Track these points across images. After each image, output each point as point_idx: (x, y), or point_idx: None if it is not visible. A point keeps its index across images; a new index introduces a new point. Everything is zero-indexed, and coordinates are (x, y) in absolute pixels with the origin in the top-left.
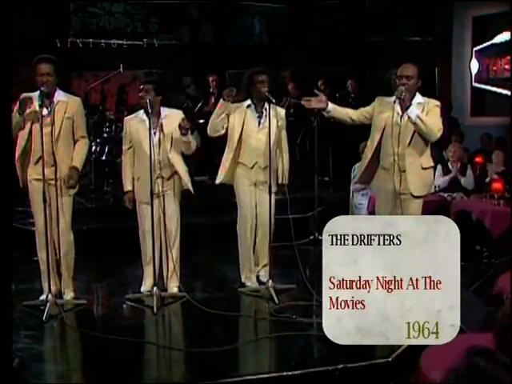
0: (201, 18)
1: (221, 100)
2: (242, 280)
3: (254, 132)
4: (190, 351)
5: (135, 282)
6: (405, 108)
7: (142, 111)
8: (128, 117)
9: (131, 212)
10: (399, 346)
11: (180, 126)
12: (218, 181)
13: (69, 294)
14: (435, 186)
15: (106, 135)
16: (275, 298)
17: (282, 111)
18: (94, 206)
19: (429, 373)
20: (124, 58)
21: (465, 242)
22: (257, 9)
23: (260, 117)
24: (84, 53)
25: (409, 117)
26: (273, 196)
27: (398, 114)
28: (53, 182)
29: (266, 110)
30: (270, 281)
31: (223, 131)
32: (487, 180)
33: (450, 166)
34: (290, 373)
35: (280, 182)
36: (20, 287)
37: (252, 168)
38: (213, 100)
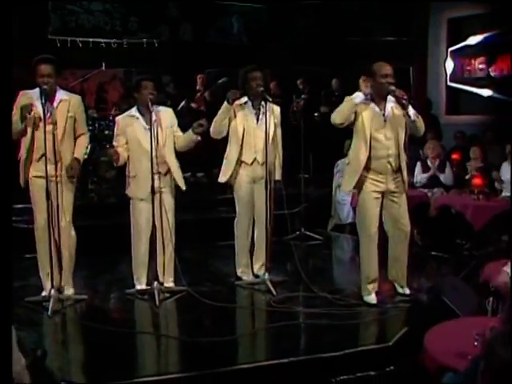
0: (180, 16)
1: (225, 103)
2: (238, 274)
3: (252, 129)
4: (199, 341)
5: (128, 278)
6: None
7: (134, 109)
8: (120, 116)
9: (115, 210)
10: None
11: (196, 126)
12: (223, 179)
13: (69, 290)
14: (415, 182)
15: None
16: (273, 290)
17: (277, 109)
18: (79, 204)
19: (435, 353)
20: (103, 56)
21: (446, 236)
22: (236, 8)
23: (257, 114)
24: (63, 50)
25: (409, 116)
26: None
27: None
28: (55, 179)
29: (262, 107)
30: (267, 274)
31: (225, 133)
32: (467, 177)
33: (429, 163)
34: (294, 359)
35: (276, 178)
36: (14, 285)
37: (251, 165)
38: (198, 95)
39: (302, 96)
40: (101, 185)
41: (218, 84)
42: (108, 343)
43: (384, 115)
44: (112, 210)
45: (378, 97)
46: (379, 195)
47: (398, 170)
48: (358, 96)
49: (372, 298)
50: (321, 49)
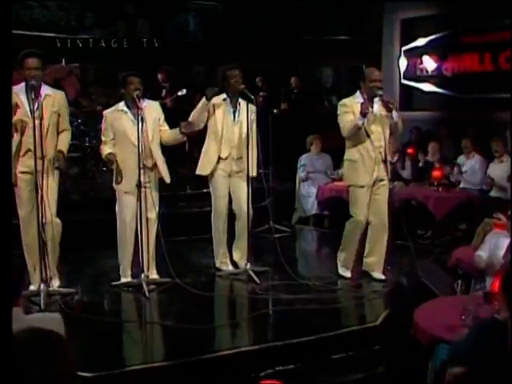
0: (137, 13)
1: (203, 99)
2: (217, 265)
3: (230, 125)
4: (197, 329)
5: (110, 272)
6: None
7: (121, 103)
8: (107, 110)
9: (78, 206)
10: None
11: (184, 125)
12: (202, 173)
13: (56, 282)
14: None
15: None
16: (256, 279)
17: (253, 106)
18: None
19: (426, 327)
20: (58, 51)
21: (409, 226)
22: (192, 6)
23: (235, 111)
24: (17, 44)
25: (392, 117)
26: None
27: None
28: (40, 173)
29: (239, 104)
30: (249, 264)
31: (202, 126)
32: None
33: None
34: (287, 341)
35: (251, 174)
36: None
37: (226, 159)
38: (164, 92)
39: (261, 93)
40: (64, 181)
41: (177, 96)
42: (102, 334)
43: (372, 113)
44: (76, 206)
45: (368, 98)
46: (371, 184)
47: (385, 160)
48: (360, 119)
49: (348, 273)
50: (277, 47)
